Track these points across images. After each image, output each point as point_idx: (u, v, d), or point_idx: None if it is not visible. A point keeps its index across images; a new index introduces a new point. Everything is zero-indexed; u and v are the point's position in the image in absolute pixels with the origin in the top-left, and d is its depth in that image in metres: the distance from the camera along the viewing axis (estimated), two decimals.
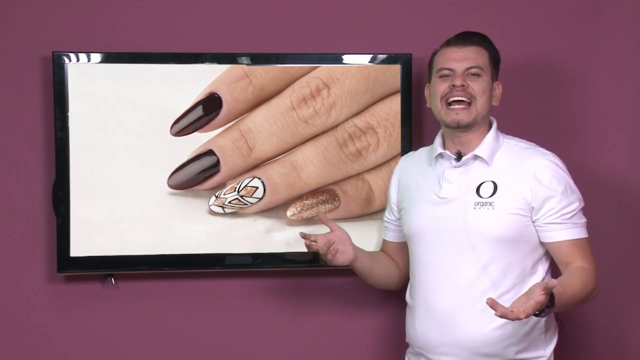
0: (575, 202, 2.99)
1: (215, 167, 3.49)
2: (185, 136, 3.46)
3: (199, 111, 3.46)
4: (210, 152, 3.49)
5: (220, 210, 3.52)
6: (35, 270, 3.46)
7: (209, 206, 3.51)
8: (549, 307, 2.67)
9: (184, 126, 3.46)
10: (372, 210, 3.58)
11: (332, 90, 3.51)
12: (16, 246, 3.45)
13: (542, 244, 3.02)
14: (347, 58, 3.52)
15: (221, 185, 3.51)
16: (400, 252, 3.32)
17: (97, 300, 3.50)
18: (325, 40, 3.58)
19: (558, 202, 2.96)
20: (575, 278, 2.90)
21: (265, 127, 3.50)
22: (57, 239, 3.40)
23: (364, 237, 3.54)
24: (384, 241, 3.40)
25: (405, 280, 3.27)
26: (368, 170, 3.61)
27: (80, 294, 3.49)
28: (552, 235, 2.98)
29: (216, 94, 3.47)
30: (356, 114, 3.56)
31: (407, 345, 3.22)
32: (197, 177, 3.49)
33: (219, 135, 3.49)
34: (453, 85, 3.01)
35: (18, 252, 3.45)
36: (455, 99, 3.01)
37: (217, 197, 3.51)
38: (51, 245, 3.42)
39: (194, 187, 3.49)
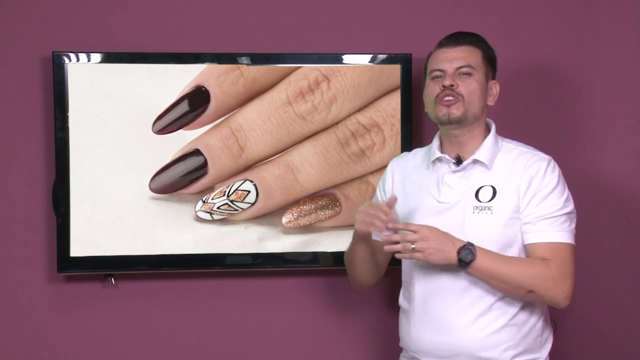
0: (556, 206, 2.85)
1: (202, 169, 3.32)
2: (169, 134, 3.30)
3: (184, 106, 3.29)
4: (196, 152, 3.32)
5: (208, 216, 3.35)
6: (35, 270, 3.42)
7: (196, 212, 3.35)
8: (466, 252, 2.78)
9: (168, 123, 3.30)
10: None
11: (332, 83, 3.34)
12: (16, 246, 3.41)
13: None
14: (347, 58, 3.39)
15: (209, 189, 3.35)
16: (385, 253, 3.12)
17: (97, 300, 3.45)
18: (325, 40, 3.50)
19: (536, 205, 2.85)
20: (519, 261, 2.84)
21: (258, 124, 3.32)
22: (57, 239, 3.33)
23: None
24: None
25: (378, 281, 3.16)
26: (372, 172, 3.44)
27: (80, 294, 3.44)
28: (527, 237, 2.86)
29: (203, 87, 3.30)
30: (359, 110, 3.39)
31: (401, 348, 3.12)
32: (182, 179, 3.32)
33: (206, 133, 3.31)
34: (443, 86, 2.90)
35: (18, 252, 3.41)
36: (445, 99, 2.90)
37: (204, 202, 3.35)
38: (51, 245, 3.38)
39: (179, 191, 3.33)
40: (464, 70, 2.90)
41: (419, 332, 2.95)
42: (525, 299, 2.88)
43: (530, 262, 2.83)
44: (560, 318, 3.22)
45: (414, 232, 2.79)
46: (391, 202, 2.86)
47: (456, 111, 2.88)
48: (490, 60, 2.97)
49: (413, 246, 2.79)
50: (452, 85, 2.88)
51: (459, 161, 2.95)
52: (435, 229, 2.80)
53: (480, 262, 2.78)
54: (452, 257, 2.79)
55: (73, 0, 3.40)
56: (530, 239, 2.85)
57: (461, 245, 2.79)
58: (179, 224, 3.34)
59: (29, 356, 3.43)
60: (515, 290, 2.84)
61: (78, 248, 3.32)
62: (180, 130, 3.30)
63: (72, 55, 3.29)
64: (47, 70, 3.34)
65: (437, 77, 2.92)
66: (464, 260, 2.78)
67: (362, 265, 3.08)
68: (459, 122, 2.90)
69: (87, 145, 3.30)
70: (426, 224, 2.82)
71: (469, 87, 2.90)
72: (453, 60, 2.91)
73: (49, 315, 3.43)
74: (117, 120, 3.31)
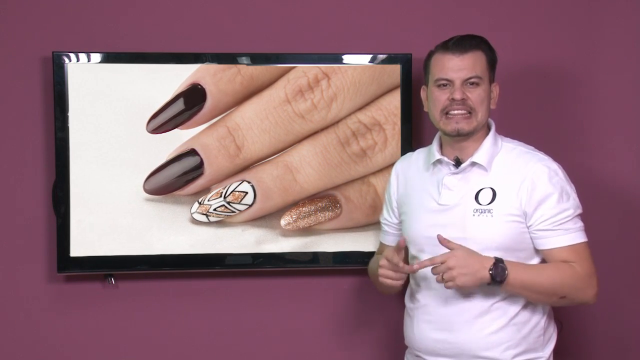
0: (569, 209, 2.84)
1: (198, 169, 3.27)
2: (164, 133, 3.25)
3: (179, 104, 3.23)
4: (192, 152, 3.26)
5: (204, 218, 3.30)
6: (35, 270, 3.40)
7: (191, 214, 3.30)
8: (498, 269, 2.74)
9: (163, 122, 3.24)
10: (378, 219, 3.25)
11: (332, 80, 3.28)
12: (16, 246, 3.39)
13: (537, 250, 2.88)
14: (347, 58, 3.34)
15: (205, 190, 3.29)
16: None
17: (97, 300, 3.44)
18: (325, 40, 3.46)
19: (550, 209, 2.82)
20: (548, 268, 2.83)
21: (255, 123, 3.25)
22: (57, 239, 3.31)
23: (370, 249, 3.33)
24: (384, 245, 3.17)
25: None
26: (374, 173, 3.38)
27: (80, 294, 3.43)
28: (544, 242, 2.84)
29: (199, 84, 3.24)
30: (360, 108, 3.33)
31: (406, 346, 3.10)
32: (177, 180, 3.27)
33: (202, 132, 3.25)
34: (453, 99, 2.85)
35: (18, 252, 3.39)
36: (456, 112, 2.85)
37: (200, 203, 3.29)
38: (51, 245, 3.36)
39: (174, 192, 3.28)
40: (472, 80, 2.85)
41: (421, 331, 2.93)
42: (556, 304, 2.89)
43: (557, 268, 2.82)
44: (565, 317, 3.22)
45: (442, 262, 2.76)
46: (400, 245, 2.83)
47: (467, 126, 2.85)
48: (492, 64, 2.93)
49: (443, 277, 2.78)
50: (463, 99, 2.84)
51: (457, 163, 2.92)
52: (461, 253, 2.76)
53: (513, 277, 2.76)
54: (485, 277, 2.75)
55: (73, 0, 3.38)
56: (549, 245, 2.83)
57: (490, 263, 2.75)
58: (174, 226, 3.30)
59: (29, 356, 3.41)
60: (548, 299, 2.84)
61: (78, 248, 3.29)
62: (176, 130, 3.25)
63: (72, 55, 3.27)
64: (47, 70, 3.32)
65: (444, 85, 2.87)
66: (498, 279, 2.76)
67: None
68: (468, 135, 2.87)
69: (87, 145, 3.27)
70: (453, 250, 2.77)
71: (478, 98, 2.86)
72: (461, 70, 2.85)
73: (49, 315, 3.41)
74: (116, 120, 3.27)
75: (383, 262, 2.85)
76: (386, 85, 3.35)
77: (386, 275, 2.85)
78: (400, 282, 2.86)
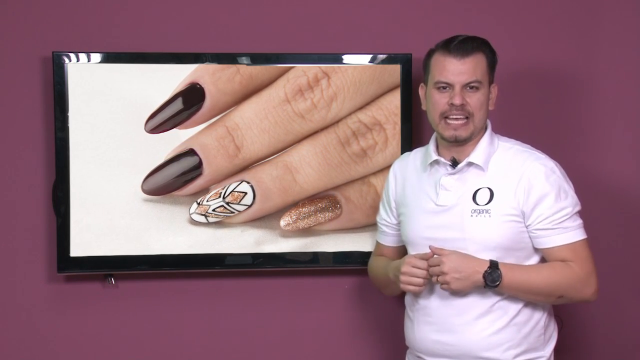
0: (567, 207, 2.82)
1: (197, 170, 3.24)
2: (162, 133, 3.23)
3: (178, 104, 3.21)
4: (191, 152, 3.23)
5: (203, 219, 3.27)
6: (35, 270, 3.39)
7: (190, 215, 3.28)
8: (492, 273, 2.76)
9: (161, 121, 3.22)
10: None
11: (332, 79, 3.25)
12: (16, 246, 3.38)
13: (537, 249, 2.87)
14: (347, 58, 3.32)
15: (204, 191, 3.27)
16: (400, 256, 3.07)
17: (97, 300, 3.42)
18: (325, 40, 3.45)
19: (548, 208, 2.80)
20: (545, 269, 2.82)
21: (255, 122, 3.22)
22: (57, 239, 3.30)
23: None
24: (382, 245, 3.17)
25: None
26: (374, 173, 3.36)
27: (80, 294, 3.42)
28: (543, 241, 2.83)
29: (198, 84, 3.21)
30: (361, 108, 3.30)
31: (407, 347, 3.09)
32: (176, 180, 3.25)
33: (201, 132, 3.23)
34: (452, 104, 2.83)
35: (18, 252, 3.38)
36: (454, 117, 2.84)
37: (199, 204, 3.27)
38: (51, 245, 3.35)
39: (173, 193, 3.26)
40: (472, 85, 2.83)
41: (422, 333, 2.92)
42: (556, 303, 2.89)
43: (554, 269, 2.82)
44: (566, 315, 3.21)
45: (436, 265, 2.78)
46: (427, 257, 2.83)
47: (464, 132, 2.84)
48: (492, 66, 2.91)
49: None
50: (462, 104, 2.83)
51: (454, 164, 2.91)
52: (455, 257, 2.78)
53: (508, 280, 2.77)
54: (478, 281, 2.77)
55: (73, 0, 3.37)
56: (547, 244, 2.82)
57: (485, 267, 2.76)
58: (173, 227, 3.28)
59: (29, 356, 3.40)
60: (545, 299, 2.84)
61: (78, 248, 3.27)
62: (174, 129, 3.23)
63: (72, 55, 3.25)
64: (47, 70, 3.31)
65: (443, 88, 2.85)
66: (492, 284, 2.77)
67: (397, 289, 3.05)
68: (465, 141, 2.86)
69: (87, 145, 3.25)
70: (446, 254, 2.78)
71: (478, 103, 2.84)
72: (461, 74, 2.82)
73: (48, 315, 3.40)
74: (116, 119, 3.26)
75: (406, 268, 2.84)
76: (386, 85, 3.32)
77: (409, 281, 2.84)
78: (423, 288, 2.85)
